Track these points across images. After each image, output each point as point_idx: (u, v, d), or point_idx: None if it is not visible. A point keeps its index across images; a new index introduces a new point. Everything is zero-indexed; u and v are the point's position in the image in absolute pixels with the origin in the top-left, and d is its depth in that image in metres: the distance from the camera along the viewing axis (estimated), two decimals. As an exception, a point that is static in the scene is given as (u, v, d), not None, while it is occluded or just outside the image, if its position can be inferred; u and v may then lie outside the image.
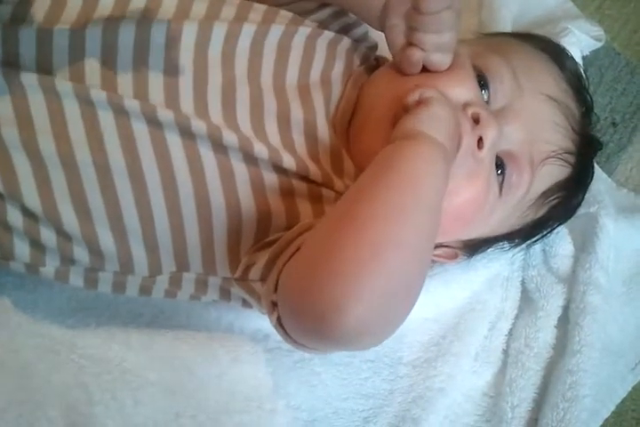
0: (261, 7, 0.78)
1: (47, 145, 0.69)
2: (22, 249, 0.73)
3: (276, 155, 0.72)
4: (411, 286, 0.62)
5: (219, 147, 0.71)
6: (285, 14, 0.79)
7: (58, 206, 0.71)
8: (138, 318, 0.85)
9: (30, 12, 0.71)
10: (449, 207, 0.70)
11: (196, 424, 0.82)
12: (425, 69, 0.74)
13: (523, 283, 0.93)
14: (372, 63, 0.83)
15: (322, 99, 0.76)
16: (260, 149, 0.71)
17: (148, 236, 0.73)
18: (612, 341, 0.90)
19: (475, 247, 0.86)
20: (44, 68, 0.70)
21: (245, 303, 0.78)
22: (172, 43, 0.71)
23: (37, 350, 0.82)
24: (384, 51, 0.80)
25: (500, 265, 0.92)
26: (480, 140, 0.73)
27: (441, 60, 0.74)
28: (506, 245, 0.88)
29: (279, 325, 0.65)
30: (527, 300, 0.92)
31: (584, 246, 0.92)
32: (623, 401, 0.90)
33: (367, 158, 0.66)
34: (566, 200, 0.84)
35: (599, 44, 1.04)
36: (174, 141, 0.70)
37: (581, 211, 0.90)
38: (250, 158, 0.72)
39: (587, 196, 0.89)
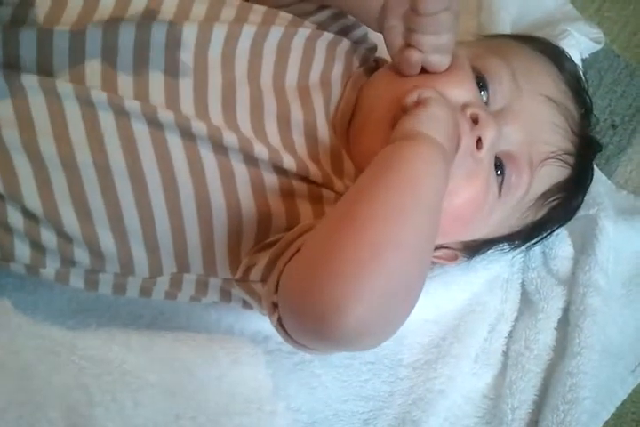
0: (261, 9, 0.78)
1: (48, 146, 0.70)
2: (23, 250, 0.73)
3: (276, 155, 0.72)
4: (411, 286, 0.62)
5: (219, 148, 0.71)
6: (285, 16, 0.79)
7: (58, 208, 0.71)
8: (138, 319, 0.85)
9: (30, 13, 0.71)
10: (448, 208, 0.70)
11: (196, 426, 0.82)
12: (424, 71, 0.75)
13: (522, 285, 0.93)
14: (372, 65, 0.83)
15: (322, 100, 0.76)
16: (260, 150, 0.72)
17: (149, 237, 0.73)
18: (611, 343, 0.90)
19: (475, 249, 0.86)
20: (45, 70, 0.70)
21: (246, 304, 0.78)
22: (172, 44, 0.72)
23: (38, 352, 0.81)
24: (383, 52, 0.80)
25: (500, 267, 0.92)
26: (479, 140, 0.73)
27: (439, 61, 0.74)
28: (506, 246, 0.88)
29: (280, 325, 0.66)
30: (527, 302, 0.92)
31: (584, 248, 0.92)
32: (623, 403, 0.90)
33: (367, 159, 0.66)
34: (566, 202, 0.84)
35: (598, 47, 1.04)
36: (175, 142, 0.71)
37: (581, 213, 0.90)
38: (250, 159, 0.72)
39: (586, 198, 0.89)
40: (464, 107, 0.74)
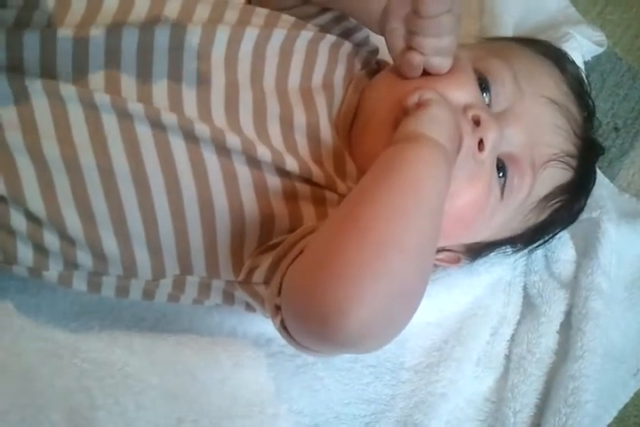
0: (263, 11, 0.79)
1: (51, 149, 0.70)
2: (25, 253, 0.73)
3: (279, 157, 0.72)
4: (414, 288, 0.62)
5: (222, 150, 0.71)
6: (287, 18, 0.79)
7: (61, 210, 0.71)
8: (141, 322, 0.85)
9: (34, 16, 0.72)
10: (450, 209, 0.69)
11: (198, 429, 0.82)
12: (426, 73, 0.75)
13: (525, 288, 0.93)
14: (374, 67, 0.83)
15: (324, 102, 0.76)
16: (263, 152, 0.72)
17: (152, 239, 0.73)
18: (614, 346, 0.90)
19: (477, 252, 0.86)
20: (48, 73, 0.70)
21: (249, 307, 0.78)
22: (175, 46, 0.72)
23: (40, 354, 0.81)
24: (385, 55, 0.80)
25: (503, 270, 0.92)
26: (481, 142, 0.73)
27: (441, 63, 0.74)
28: (508, 249, 0.88)
29: (283, 328, 0.65)
30: (529, 305, 0.92)
31: (586, 252, 0.92)
32: (625, 407, 0.90)
33: (369, 161, 0.66)
34: (568, 204, 0.84)
35: (601, 50, 1.04)
36: (178, 145, 0.71)
37: (583, 216, 0.90)
38: (253, 161, 0.72)
39: (589, 201, 0.89)
40: (465, 108, 0.74)
